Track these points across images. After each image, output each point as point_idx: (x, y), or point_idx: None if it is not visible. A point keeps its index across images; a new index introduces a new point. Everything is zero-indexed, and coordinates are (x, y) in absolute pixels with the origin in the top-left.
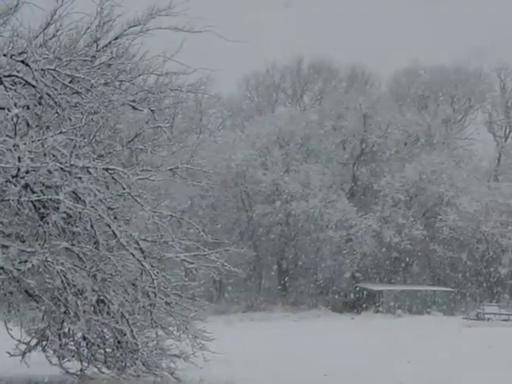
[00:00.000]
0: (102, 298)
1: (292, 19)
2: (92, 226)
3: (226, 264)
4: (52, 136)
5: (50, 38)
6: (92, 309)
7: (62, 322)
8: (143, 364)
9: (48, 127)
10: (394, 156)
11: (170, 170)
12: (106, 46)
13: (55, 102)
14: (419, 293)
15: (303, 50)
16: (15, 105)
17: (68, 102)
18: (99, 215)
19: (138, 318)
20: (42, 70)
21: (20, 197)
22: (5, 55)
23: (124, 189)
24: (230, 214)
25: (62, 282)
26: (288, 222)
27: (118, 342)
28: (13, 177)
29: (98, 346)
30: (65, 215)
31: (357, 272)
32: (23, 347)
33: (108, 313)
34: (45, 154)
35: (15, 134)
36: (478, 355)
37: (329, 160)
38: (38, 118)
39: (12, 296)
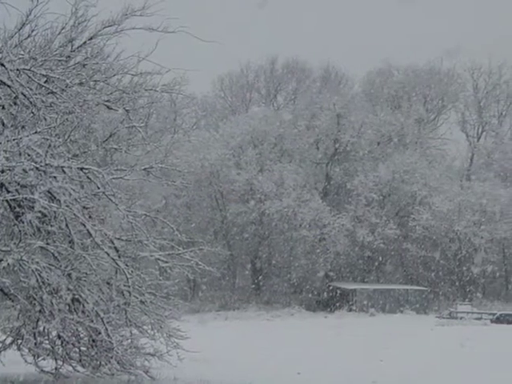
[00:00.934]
0: (76, 296)
1: (266, 20)
2: (67, 225)
3: (200, 263)
4: (27, 135)
5: (26, 38)
6: (67, 307)
7: (37, 320)
8: (118, 362)
9: (23, 127)
10: (367, 155)
11: (145, 169)
12: (80, 46)
13: (30, 102)
14: (392, 292)
15: (277, 50)
16: None
17: (43, 101)
18: (74, 214)
19: (112, 316)
20: (18, 69)
21: None
22: None
23: (99, 188)
24: (205, 214)
25: (37, 280)
26: (262, 221)
27: (93, 340)
28: None
29: (73, 344)
30: (40, 214)
31: (330, 271)
32: None
33: (83, 311)
34: (20, 154)
35: None
36: (450, 353)
37: (302, 159)
38: (14, 118)
39: None
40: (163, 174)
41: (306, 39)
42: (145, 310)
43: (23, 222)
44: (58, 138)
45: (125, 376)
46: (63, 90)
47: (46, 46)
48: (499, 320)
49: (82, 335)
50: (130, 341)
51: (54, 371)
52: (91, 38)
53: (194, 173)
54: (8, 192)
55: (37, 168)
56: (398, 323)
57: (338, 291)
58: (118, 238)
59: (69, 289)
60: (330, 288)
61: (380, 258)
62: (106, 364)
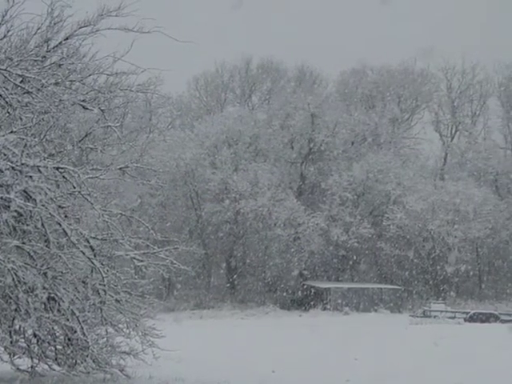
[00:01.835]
0: (52, 295)
1: (241, 20)
2: (43, 225)
3: (175, 262)
4: (3, 135)
5: (1, 39)
6: (43, 306)
7: (13, 319)
8: (93, 361)
9: None
10: (341, 155)
11: (120, 168)
12: (56, 46)
13: (6, 102)
14: (366, 290)
15: (252, 50)
16: None
17: (19, 101)
18: (50, 214)
19: (88, 315)
20: None
21: None
22: None
23: (74, 187)
24: (180, 213)
25: (13, 279)
26: (237, 220)
27: (69, 339)
28: None
29: (49, 343)
30: (16, 214)
31: (304, 270)
32: None
33: (58, 310)
34: None
35: None
36: (424, 352)
37: (277, 159)
38: None
39: None
40: (138, 174)
41: (280, 39)
42: (120, 309)
43: None
44: (34, 137)
45: (100, 374)
46: (39, 89)
47: (21, 46)
48: (472, 319)
49: (57, 334)
50: (105, 339)
51: (29, 369)
52: (67, 39)
53: (169, 172)
54: None
55: (12, 167)
56: (372, 322)
57: (313, 290)
58: (94, 237)
59: (44, 287)
60: (305, 287)
61: (354, 257)
62: (82, 362)
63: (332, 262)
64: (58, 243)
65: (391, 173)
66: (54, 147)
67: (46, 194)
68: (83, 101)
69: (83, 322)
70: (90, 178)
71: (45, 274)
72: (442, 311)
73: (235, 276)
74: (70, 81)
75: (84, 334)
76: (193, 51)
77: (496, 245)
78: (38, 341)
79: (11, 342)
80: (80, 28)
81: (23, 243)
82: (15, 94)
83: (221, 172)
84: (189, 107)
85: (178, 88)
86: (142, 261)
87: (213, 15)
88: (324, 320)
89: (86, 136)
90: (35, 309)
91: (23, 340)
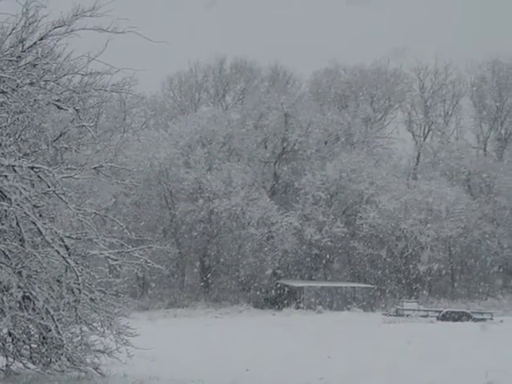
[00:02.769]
0: (27, 294)
1: (215, 20)
2: (18, 224)
3: (149, 261)
4: None
5: None
6: (17, 305)
7: None
8: (68, 359)
9: None
10: (314, 154)
11: (95, 168)
12: (31, 46)
13: None
14: (339, 289)
15: (225, 50)
16: None
17: None
18: (25, 213)
19: (62, 314)
20: None
21: None
22: None
23: (49, 187)
24: (154, 212)
25: None
26: (210, 219)
27: (43, 337)
28: None
29: (24, 341)
30: None
31: (278, 269)
32: None
33: (33, 309)
34: None
35: None
36: (397, 350)
37: (251, 158)
38: None
39: None
40: (113, 173)
41: (254, 39)
42: (95, 308)
43: None
44: (9, 137)
45: (75, 373)
46: (14, 89)
47: None
48: (445, 317)
49: (32, 332)
50: (80, 338)
51: (4, 368)
52: (42, 39)
53: (143, 172)
54: None
55: None
56: (345, 321)
57: (286, 289)
58: (68, 237)
59: (19, 286)
60: (278, 286)
61: (327, 256)
62: (57, 361)
63: (305, 260)
64: (32, 242)
65: (364, 172)
66: (29, 147)
67: (21, 193)
68: (58, 100)
69: (58, 320)
70: (64, 177)
71: (19, 272)
72: (414, 310)
73: (209, 275)
74: (45, 81)
75: (59, 333)
76: (167, 51)
77: (468, 244)
78: (12, 339)
79: None
80: (55, 28)
81: None
82: None
83: (195, 171)
84: (163, 107)
85: (152, 88)
86: (116, 260)
87: (187, 15)
88: (297, 319)
89: (60, 136)
90: (10, 308)
91: None
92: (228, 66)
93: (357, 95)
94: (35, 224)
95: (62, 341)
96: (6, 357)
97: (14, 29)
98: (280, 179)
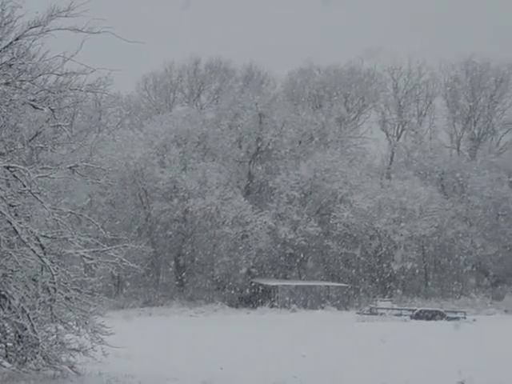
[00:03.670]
0: (3, 293)
1: (189, 20)
2: None
3: (124, 260)
4: None
5: None
6: None
7: None
8: (43, 358)
9: None
10: (288, 154)
11: (70, 167)
12: (7, 46)
13: None
14: (313, 288)
15: (200, 50)
16: None
17: None
18: (0, 212)
19: (38, 312)
20: None
21: None
22: None
23: (25, 186)
24: (129, 211)
25: None
26: (185, 218)
27: (19, 336)
28: None
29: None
30: None
31: (252, 268)
32: None
33: (9, 308)
34: None
35: None
36: (371, 349)
37: (225, 158)
38: None
39: None
40: (88, 173)
41: (228, 39)
42: (70, 307)
43: None
44: None
45: (50, 371)
46: None
47: None
48: (419, 316)
49: (8, 331)
50: (55, 336)
51: None
52: (17, 39)
53: (118, 171)
54: None
55: None
56: (320, 319)
57: (261, 288)
58: (44, 236)
59: None
60: (253, 284)
61: (301, 255)
62: (32, 359)
63: (279, 259)
64: (8, 241)
65: (338, 172)
66: (5, 146)
67: None
68: (33, 100)
69: (33, 319)
70: (40, 176)
71: None
72: (388, 309)
73: (184, 274)
74: (21, 80)
75: (34, 332)
76: (142, 51)
77: (442, 243)
78: None
79: None
80: (30, 28)
81: None
82: None
83: (169, 171)
84: (138, 107)
85: (128, 88)
86: (91, 259)
87: (162, 16)
88: (272, 317)
89: (36, 135)
90: None
91: None
92: (203, 66)
93: (331, 95)
94: (11, 223)
95: (38, 339)
96: None
97: None
98: (254, 179)
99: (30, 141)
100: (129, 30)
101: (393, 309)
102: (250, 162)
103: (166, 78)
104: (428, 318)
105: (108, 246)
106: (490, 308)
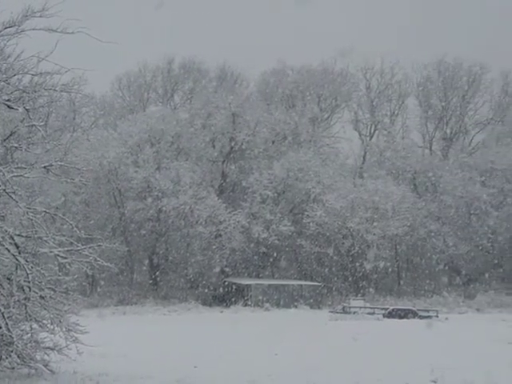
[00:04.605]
0: None
1: (163, 20)
2: None
3: (98, 259)
4: None
5: None
6: None
7: None
8: (18, 356)
9: None
10: (262, 154)
11: (44, 167)
12: None
13: None
14: (287, 287)
15: (174, 50)
16: None
17: None
18: None
19: (13, 311)
20: None
21: None
22: None
23: None
24: (103, 210)
25: None
26: (159, 218)
27: None
28: None
29: None
30: None
31: (226, 267)
32: None
33: None
34: None
35: None
36: (343, 347)
37: (199, 158)
38: None
39: None
40: (62, 172)
41: (202, 39)
42: (44, 305)
43: None
44: None
45: (25, 370)
46: None
47: None
48: (391, 315)
49: None
50: (30, 335)
51: None
52: None
53: (92, 171)
54: None
55: None
56: (293, 318)
57: (234, 286)
58: (19, 235)
59: None
60: (226, 283)
61: (275, 254)
62: (7, 358)
63: (253, 259)
64: None
65: (311, 171)
66: None
67: None
68: (8, 100)
69: (8, 318)
70: (14, 176)
71: None
72: (361, 307)
73: (158, 273)
74: None
75: (9, 330)
76: (116, 51)
77: (414, 242)
78: None
79: None
80: (5, 28)
81: None
82: None
83: (143, 170)
84: (112, 106)
85: (102, 88)
86: (65, 258)
87: (136, 16)
88: (245, 316)
89: (10, 135)
90: None
91: None
92: (176, 66)
93: (304, 95)
94: None
95: (13, 338)
96: None
97: None
98: (228, 178)
99: (4, 140)
100: (103, 30)
101: (365, 307)
102: (224, 161)
103: (140, 78)
104: (400, 317)
105: (82, 245)
106: (462, 307)
